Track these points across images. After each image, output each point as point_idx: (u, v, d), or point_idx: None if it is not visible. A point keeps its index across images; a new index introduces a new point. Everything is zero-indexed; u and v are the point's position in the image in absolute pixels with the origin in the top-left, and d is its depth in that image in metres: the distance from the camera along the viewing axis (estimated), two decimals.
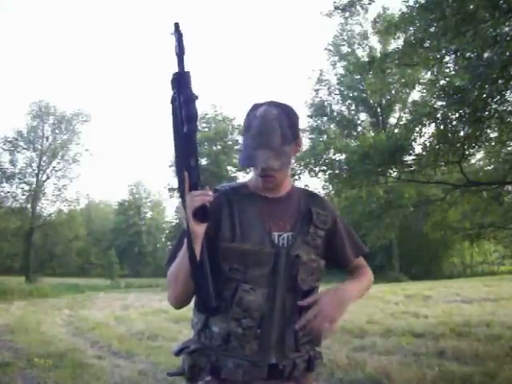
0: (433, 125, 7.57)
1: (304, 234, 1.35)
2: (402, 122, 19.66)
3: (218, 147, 29.50)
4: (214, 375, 1.26)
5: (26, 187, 29.19)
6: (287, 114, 1.33)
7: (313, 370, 1.41)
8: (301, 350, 1.34)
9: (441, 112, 7.18)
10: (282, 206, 1.37)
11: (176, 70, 1.18)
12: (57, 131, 30.01)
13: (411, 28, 7.24)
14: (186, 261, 1.18)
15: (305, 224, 1.36)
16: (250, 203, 1.34)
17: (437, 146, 7.52)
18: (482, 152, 9.69)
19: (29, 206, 29.36)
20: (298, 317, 1.28)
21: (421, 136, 7.92)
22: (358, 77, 22.81)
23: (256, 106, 1.35)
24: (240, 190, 1.37)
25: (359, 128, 29.63)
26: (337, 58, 28.90)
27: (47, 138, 29.86)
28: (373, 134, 17.43)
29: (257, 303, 1.26)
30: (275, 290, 1.29)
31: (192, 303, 1.33)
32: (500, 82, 6.10)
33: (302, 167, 9.10)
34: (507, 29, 6.01)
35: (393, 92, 27.17)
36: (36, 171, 29.43)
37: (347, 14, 8.37)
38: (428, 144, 7.78)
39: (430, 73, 8.70)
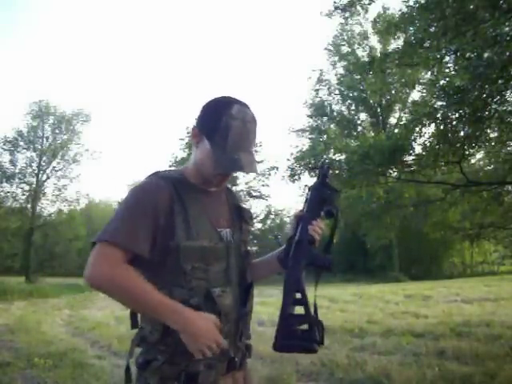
0: (433, 125, 7.59)
1: (238, 230, 1.37)
2: (402, 122, 19.65)
3: None
4: (186, 382, 1.21)
5: (26, 187, 29.16)
6: (256, 117, 1.33)
7: (250, 356, 1.40)
8: (242, 338, 1.36)
9: (441, 112, 7.19)
10: (218, 201, 1.37)
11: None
12: (57, 131, 29.99)
13: (411, 28, 7.24)
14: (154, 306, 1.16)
15: (238, 220, 1.39)
16: (194, 196, 1.29)
17: (437, 146, 7.53)
18: (482, 152, 9.69)
19: (29, 205, 29.32)
20: (245, 310, 1.32)
21: (421, 136, 7.93)
22: (358, 77, 22.75)
23: (227, 104, 1.28)
24: (183, 181, 1.31)
25: (359, 128, 29.62)
26: (337, 58, 28.88)
27: (47, 138, 29.84)
28: (373, 134, 17.45)
29: (230, 307, 1.27)
30: (231, 286, 1.29)
31: None
32: (500, 82, 6.11)
33: (301, 167, 9.10)
34: (507, 29, 6.00)
35: (393, 92, 27.15)
36: (36, 171, 29.40)
37: (347, 14, 8.33)
38: (428, 144, 7.79)
39: (430, 73, 8.71)
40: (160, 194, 1.24)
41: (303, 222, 1.30)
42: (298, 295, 1.23)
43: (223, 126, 1.24)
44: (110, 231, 1.21)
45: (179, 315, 1.16)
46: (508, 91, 6.62)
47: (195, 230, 1.24)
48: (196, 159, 1.33)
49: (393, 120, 29.00)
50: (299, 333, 1.20)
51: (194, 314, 1.18)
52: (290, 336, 1.20)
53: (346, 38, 28.65)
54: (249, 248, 1.42)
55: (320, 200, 1.32)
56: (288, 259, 1.27)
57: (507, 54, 5.79)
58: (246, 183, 29.65)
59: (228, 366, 1.29)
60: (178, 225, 1.22)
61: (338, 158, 9.23)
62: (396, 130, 18.41)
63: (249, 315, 1.37)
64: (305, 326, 1.20)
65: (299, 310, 1.24)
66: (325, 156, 9.22)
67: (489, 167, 11.95)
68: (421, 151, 8.00)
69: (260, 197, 31.12)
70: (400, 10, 7.84)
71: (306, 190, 1.43)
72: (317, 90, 29.07)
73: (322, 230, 1.31)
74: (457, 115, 6.98)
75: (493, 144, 8.52)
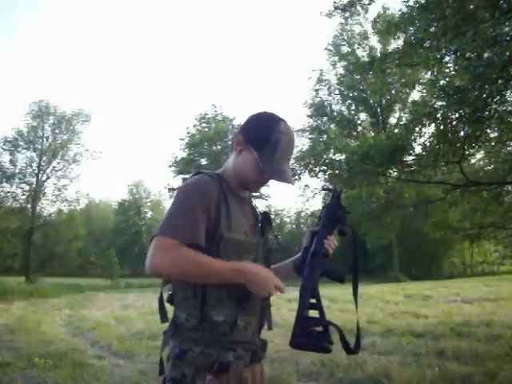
0: (433, 125, 7.58)
1: (264, 232, 1.51)
2: (402, 122, 19.64)
3: (218, 147, 29.52)
4: (218, 372, 1.29)
5: (26, 187, 29.22)
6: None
7: (266, 350, 1.48)
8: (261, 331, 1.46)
9: (441, 112, 7.18)
10: (247, 207, 1.51)
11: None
12: (57, 131, 30.03)
13: (411, 28, 7.23)
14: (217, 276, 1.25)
15: (264, 227, 1.53)
16: (232, 198, 1.41)
17: (437, 146, 7.52)
18: (482, 152, 9.68)
19: (29, 205, 29.36)
20: (267, 303, 1.45)
21: (421, 136, 7.92)
22: (358, 77, 22.78)
23: (275, 120, 1.43)
24: (226, 181, 1.43)
25: (359, 128, 29.64)
26: (337, 58, 28.91)
27: (47, 138, 29.89)
28: (373, 134, 17.43)
29: (255, 297, 1.36)
30: None
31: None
32: (500, 82, 6.11)
33: (301, 167, 9.09)
34: (507, 29, 6.00)
35: (393, 92, 27.18)
36: (36, 171, 29.45)
37: (347, 14, 8.32)
38: (428, 144, 7.77)
39: (430, 73, 8.69)
40: (211, 189, 1.35)
41: (318, 237, 1.43)
42: (313, 300, 1.34)
43: (274, 140, 1.39)
44: (169, 226, 1.27)
45: (245, 270, 1.28)
46: (508, 91, 6.61)
47: (234, 223, 1.36)
48: (236, 165, 1.46)
49: (393, 120, 29.07)
50: (315, 333, 1.29)
51: (254, 266, 1.32)
52: (307, 335, 1.29)
53: (345, 37, 28.68)
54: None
55: (334, 219, 1.47)
56: (304, 267, 1.39)
57: (507, 54, 5.78)
58: None
59: (251, 358, 1.38)
60: (222, 218, 1.33)
61: (338, 158, 9.23)
62: (396, 130, 18.37)
63: (269, 308, 1.49)
64: (320, 328, 1.30)
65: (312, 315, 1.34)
66: (325, 156, 9.19)
67: (489, 167, 11.91)
68: (421, 151, 7.99)
69: (260, 197, 31.15)
70: (400, 10, 7.83)
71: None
72: (317, 90, 29.12)
73: (335, 245, 1.46)
74: (457, 115, 6.97)
75: (493, 144, 8.51)
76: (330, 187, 1.56)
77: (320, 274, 1.38)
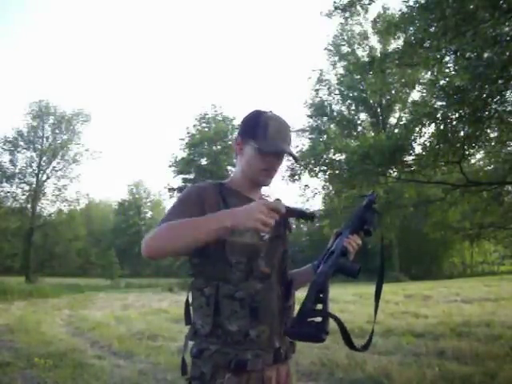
0: (433, 125, 7.57)
1: (281, 236, 1.51)
2: (401, 122, 19.62)
3: (218, 147, 29.43)
4: (236, 370, 1.30)
5: (26, 187, 29.22)
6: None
7: (294, 352, 1.50)
8: None
9: (441, 112, 7.17)
10: None
11: None
12: (57, 131, 30.03)
13: (411, 28, 7.22)
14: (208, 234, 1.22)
15: (281, 228, 1.51)
16: (237, 201, 1.41)
17: (437, 146, 7.51)
18: (482, 152, 9.68)
19: (29, 205, 29.35)
20: (287, 304, 1.44)
21: (421, 136, 7.91)
22: (358, 77, 22.75)
23: (262, 111, 1.47)
24: (227, 188, 1.46)
25: (359, 128, 29.63)
26: (337, 58, 28.90)
27: (47, 138, 29.89)
28: (373, 134, 17.42)
29: (270, 300, 1.38)
30: (272, 281, 1.40)
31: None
32: (500, 82, 6.10)
33: (301, 167, 9.08)
34: (507, 29, 6.00)
35: (393, 92, 27.14)
36: (36, 171, 29.45)
37: (347, 14, 8.32)
38: (428, 144, 7.77)
39: (429, 73, 8.69)
40: (207, 192, 1.41)
41: (341, 236, 1.44)
42: (321, 295, 1.31)
43: (263, 124, 1.43)
44: (165, 218, 1.34)
45: (227, 212, 1.26)
46: (508, 91, 6.61)
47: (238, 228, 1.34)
48: (242, 164, 1.49)
49: (393, 120, 29.04)
50: (313, 323, 1.26)
51: (239, 207, 1.27)
52: (301, 325, 1.26)
53: (345, 37, 28.67)
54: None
55: (361, 219, 1.46)
56: (319, 265, 1.40)
57: (507, 53, 5.78)
58: None
59: (274, 358, 1.38)
60: None
61: (338, 158, 9.22)
62: (396, 130, 18.36)
63: (291, 309, 1.47)
64: (318, 319, 1.26)
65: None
66: (325, 156, 9.19)
67: (489, 167, 11.91)
68: (421, 151, 7.98)
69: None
70: (400, 10, 7.82)
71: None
72: (317, 90, 29.09)
73: (358, 244, 1.44)
74: (457, 115, 6.96)
75: (493, 144, 8.51)
76: (367, 193, 1.55)
77: (334, 270, 1.36)
